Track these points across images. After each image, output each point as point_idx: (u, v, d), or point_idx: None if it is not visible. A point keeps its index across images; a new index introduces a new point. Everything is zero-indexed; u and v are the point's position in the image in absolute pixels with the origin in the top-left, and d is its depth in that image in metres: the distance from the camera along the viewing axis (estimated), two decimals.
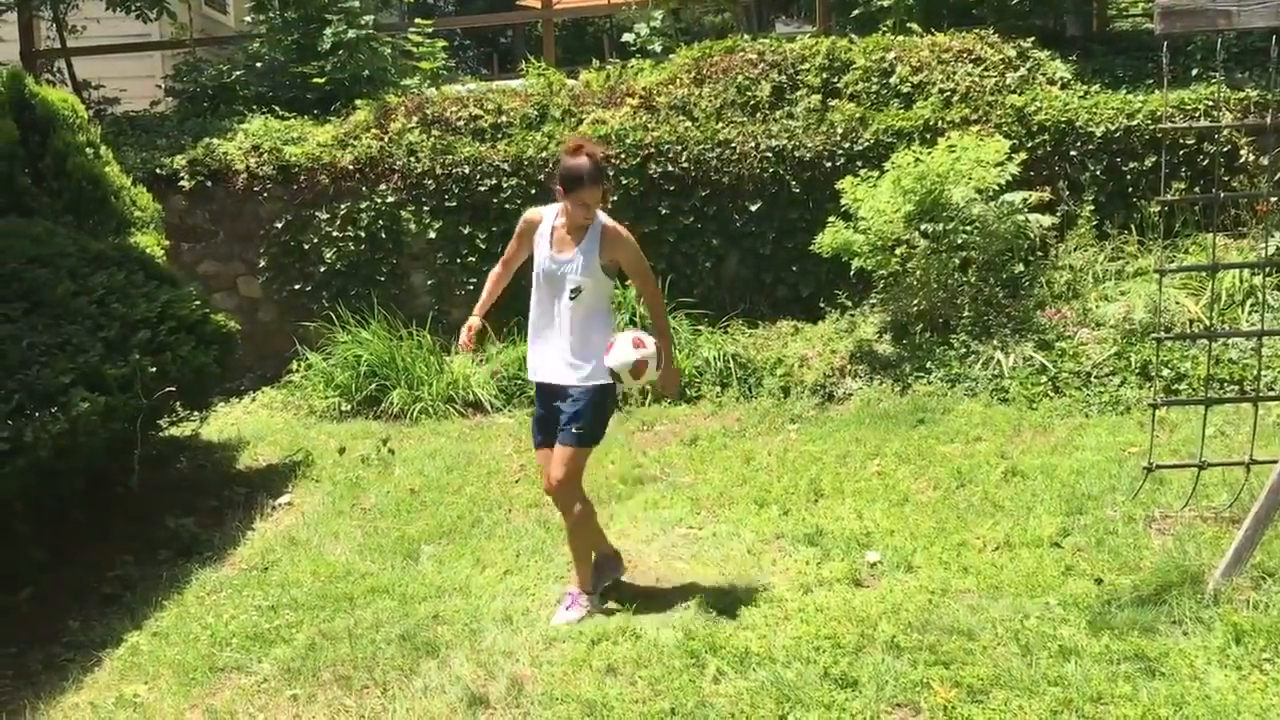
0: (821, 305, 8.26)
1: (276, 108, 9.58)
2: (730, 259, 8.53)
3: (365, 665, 3.98)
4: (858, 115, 8.42)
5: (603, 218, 4.30)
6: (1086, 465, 5.54)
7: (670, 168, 8.38)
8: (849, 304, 8.12)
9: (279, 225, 8.82)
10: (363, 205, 8.71)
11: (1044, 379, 6.87)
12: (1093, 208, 7.93)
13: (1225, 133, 7.78)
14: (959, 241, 7.45)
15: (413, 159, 8.71)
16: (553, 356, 4.31)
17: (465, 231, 8.63)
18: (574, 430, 4.24)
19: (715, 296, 8.45)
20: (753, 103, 8.72)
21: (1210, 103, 7.86)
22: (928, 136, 8.10)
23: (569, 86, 9.27)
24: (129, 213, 6.94)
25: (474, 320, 4.60)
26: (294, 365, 8.44)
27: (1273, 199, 7.39)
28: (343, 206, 8.73)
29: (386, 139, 8.89)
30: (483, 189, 8.58)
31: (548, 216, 4.35)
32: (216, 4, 13.74)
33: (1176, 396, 6.37)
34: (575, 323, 4.26)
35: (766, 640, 3.92)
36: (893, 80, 8.60)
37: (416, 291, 8.79)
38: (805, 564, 4.65)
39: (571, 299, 4.24)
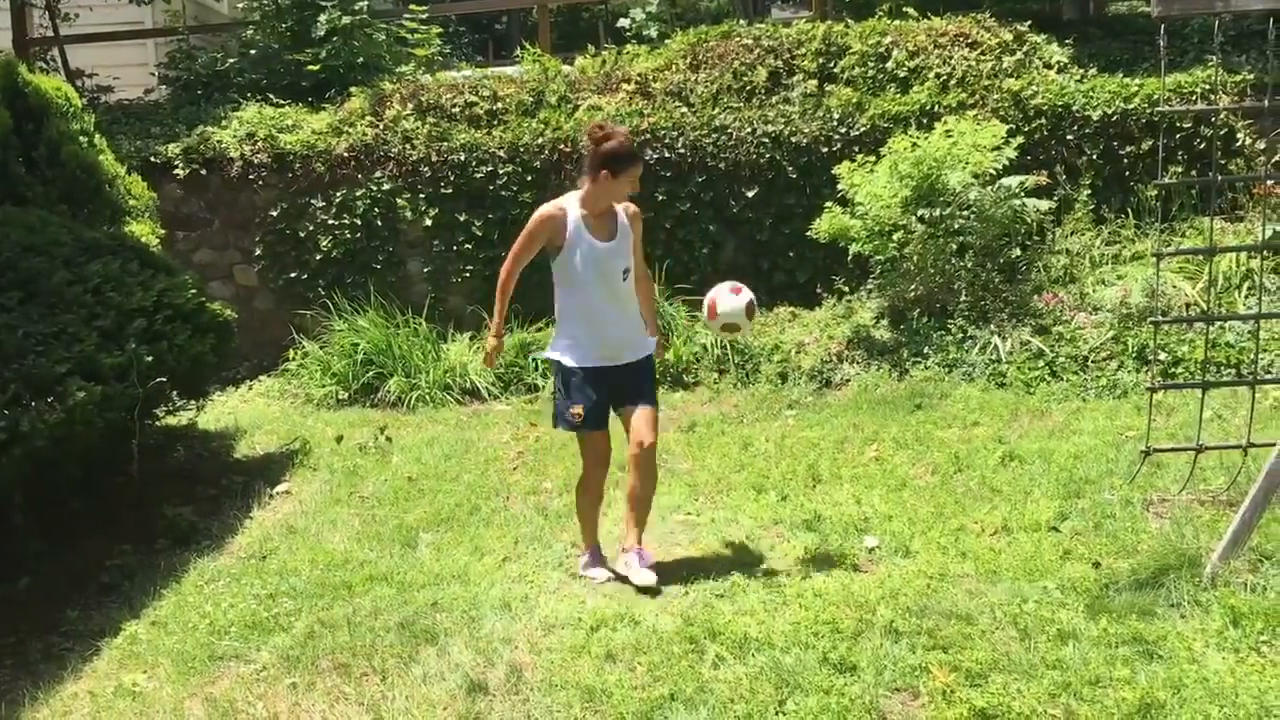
0: (819, 291, 8.26)
1: (271, 95, 9.55)
2: (727, 245, 8.52)
3: (364, 653, 3.98)
4: (854, 100, 8.40)
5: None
6: (1084, 449, 5.55)
7: (666, 154, 8.37)
8: (846, 290, 8.11)
9: (274, 213, 8.80)
10: (358, 193, 8.69)
11: (1041, 363, 6.87)
12: (1090, 192, 7.92)
13: (1222, 116, 7.77)
14: (956, 226, 7.44)
15: (408, 146, 8.69)
16: (625, 337, 4.49)
17: (461, 219, 8.61)
18: (651, 393, 4.53)
19: (712, 283, 8.36)
20: (749, 88, 8.69)
21: (1207, 86, 7.85)
22: (924, 121, 8.09)
23: (565, 72, 9.25)
24: (123, 201, 6.92)
25: (494, 342, 4.66)
26: (291, 353, 8.43)
27: (1270, 182, 7.38)
28: (338, 194, 8.71)
29: (382, 126, 8.86)
30: (479, 176, 8.56)
31: (570, 209, 4.37)
32: None
33: (1174, 380, 6.37)
34: (630, 300, 4.53)
35: (765, 625, 3.93)
36: (889, 65, 8.57)
37: (413, 279, 8.77)
38: (804, 549, 4.66)
39: (624, 280, 4.45)
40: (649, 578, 4.37)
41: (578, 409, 4.40)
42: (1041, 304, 7.33)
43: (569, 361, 4.42)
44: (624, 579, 4.47)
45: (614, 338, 4.45)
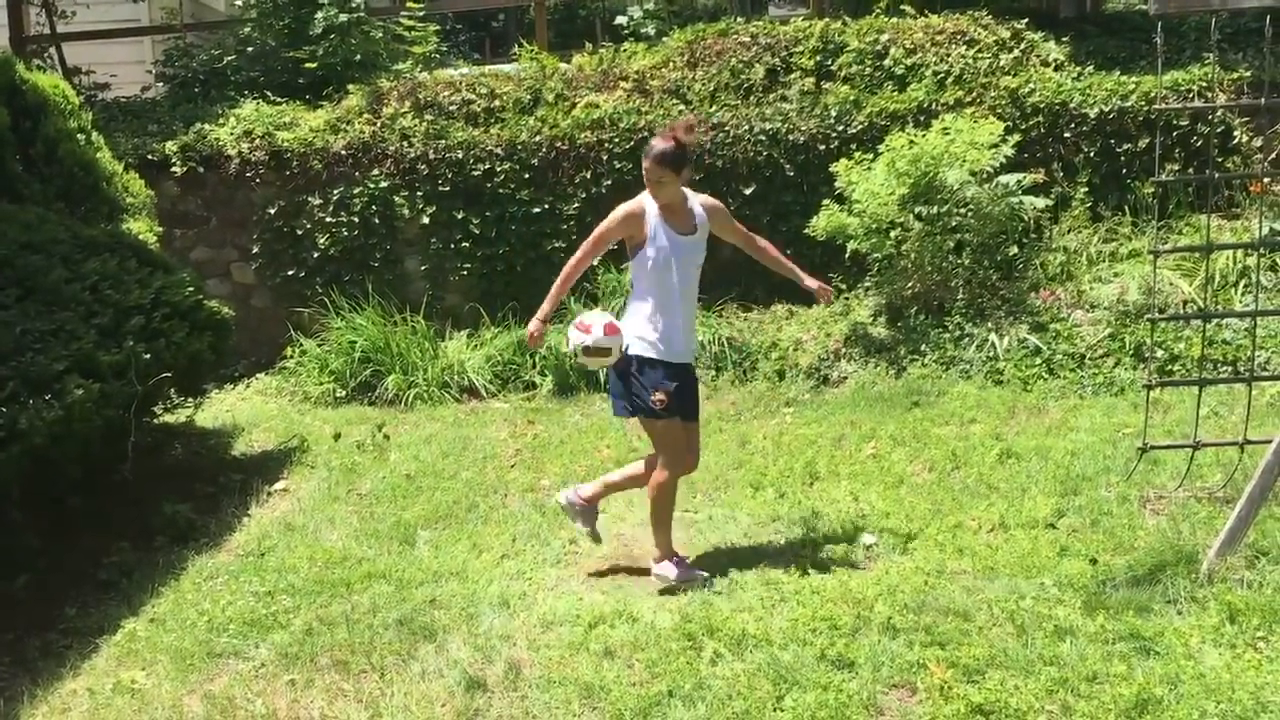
0: None
1: (268, 92, 9.54)
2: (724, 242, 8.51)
3: (363, 650, 3.99)
4: (851, 98, 8.40)
5: (695, 195, 4.60)
6: (1081, 446, 5.56)
7: None
8: (844, 287, 8.11)
9: (272, 211, 8.79)
10: (355, 190, 8.68)
11: (1038, 361, 6.88)
12: (1086, 189, 7.92)
13: (1219, 113, 7.77)
14: (953, 224, 7.45)
15: (405, 144, 8.68)
16: (690, 333, 4.56)
17: (459, 216, 8.60)
18: (698, 407, 4.64)
19: (709, 280, 8.38)
20: (746, 85, 8.69)
21: (1204, 83, 7.85)
22: (922, 119, 8.09)
23: (562, 70, 9.23)
24: (121, 199, 6.91)
25: (535, 325, 4.60)
26: (288, 351, 8.42)
27: (1266, 179, 7.39)
28: (335, 192, 8.70)
29: (379, 124, 8.85)
30: (476, 174, 8.56)
31: (648, 205, 4.46)
32: None
33: (1170, 377, 6.38)
34: (695, 297, 4.59)
35: (763, 622, 3.94)
36: (886, 62, 8.57)
37: (410, 277, 8.76)
38: (801, 546, 4.67)
39: (697, 274, 4.55)
40: (699, 576, 4.46)
41: (662, 395, 4.36)
42: (1039, 301, 7.34)
43: (653, 354, 4.40)
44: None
45: (688, 335, 4.51)
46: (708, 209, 4.60)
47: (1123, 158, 8.02)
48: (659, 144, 4.37)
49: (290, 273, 8.80)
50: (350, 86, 9.31)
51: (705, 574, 4.44)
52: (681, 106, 8.58)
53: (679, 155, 4.38)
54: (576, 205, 8.41)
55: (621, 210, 4.48)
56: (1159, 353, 6.63)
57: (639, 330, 4.44)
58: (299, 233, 8.78)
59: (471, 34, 21.30)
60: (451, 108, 8.89)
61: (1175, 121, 7.88)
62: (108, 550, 5.16)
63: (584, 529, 4.71)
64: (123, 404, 5.25)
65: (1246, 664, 3.40)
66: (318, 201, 8.73)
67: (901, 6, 9.20)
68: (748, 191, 8.36)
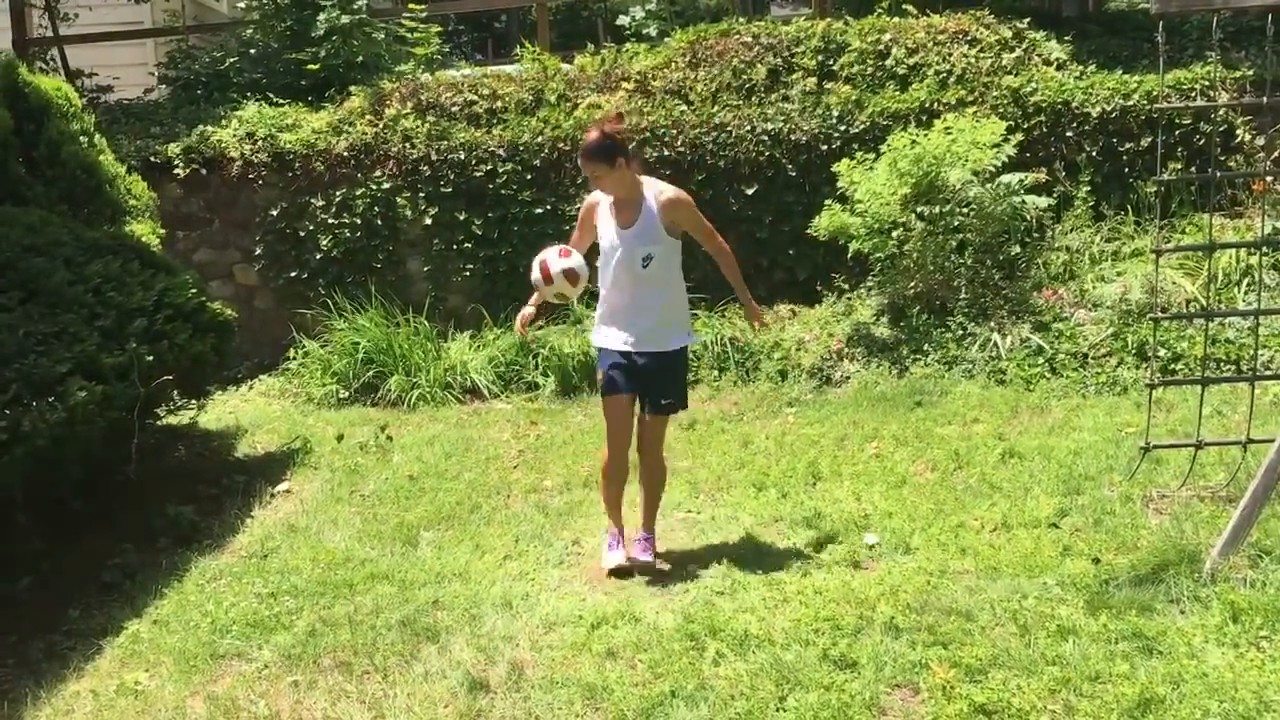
0: (818, 288, 8.25)
1: (270, 94, 9.55)
2: (726, 242, 8.50)
3: (366, 651, 3.99)
4: (853, 98, 8.40)
5: (657, 185, 4.56)
6: (1084, 446, 5.55)
7: (666, 152, 8.36)
8: (846, 287, 8.11)
9: (274, 213, 8.80)
10: (358, 192, 8.69)
11: (1041, 360, 6.87)
12: (1089, 188, 7.91)
13: (1221, 112, 7.77)
14: (955, 224, 7.44)
15: (408, 145, 8.69)
16: (642, 326, 4.55)
17: (461, 218, 8.61)
18: (663, 402, 4.61)
19: (712, 280, 8.39)
20: (748, 86, 8.69)
21: (1206, 82, 7.85)
22: (924, 119, 8.08)
23: (564, 71, 9.24)
24: (124, 201, 6.91)
25: (528, 310, 4.81)
26: (291, 353, 8.43)
27: (1269, 178, 7.38)
28: (338, 193, 8.71)
29: (381, 125, 8.86)
30: (478, 175, 8.57)
31: (602, 197, 4.57)
32: None
33: (1173, 376, 6.37)
34: (652, 290, 4.53)
35: (766, 623, 3.94)
36: (888, 62, 8.57)
37: (413, 278, 8.77)
38: (804, 546, 4.67)
39: (644, 267, 4.47)
40: (613, 560, 4.58)
41: (600, 373, 4.63)
42: (1041, 301, 7.34)
43: (596, 340, 4.69)
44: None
45: (630, 325, 4.54)
46: (661, 201, 4.48)
47: (1125, 157, 8.01)
48: (586, 138, 4.43)
49: (293, 274, 8.81)
50: (352, 88, 9.32)
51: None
52: (683, 107, 8.59)
53: (603, 148, 4.36)
54: (579, 206, 8.39)
55: (587, 199, 4.68)
56: (1162, 352, 6.62)
57: (597, 317, 4.69)
58: (301, 234, 8.79)
59: (474, 35, 21.34)
60: (454, 109, 8.90)
61: (1177, 120, 7.88)
62: (111, 552, 5.16)
63: (654, 561, 4.69)
64: (125, 406, 5.26)
65: (1249, 663, 3.40)
66: (320, 203, 8.74)
67: (903, 6, 9.20)
68: (750, 192, 8.36)
